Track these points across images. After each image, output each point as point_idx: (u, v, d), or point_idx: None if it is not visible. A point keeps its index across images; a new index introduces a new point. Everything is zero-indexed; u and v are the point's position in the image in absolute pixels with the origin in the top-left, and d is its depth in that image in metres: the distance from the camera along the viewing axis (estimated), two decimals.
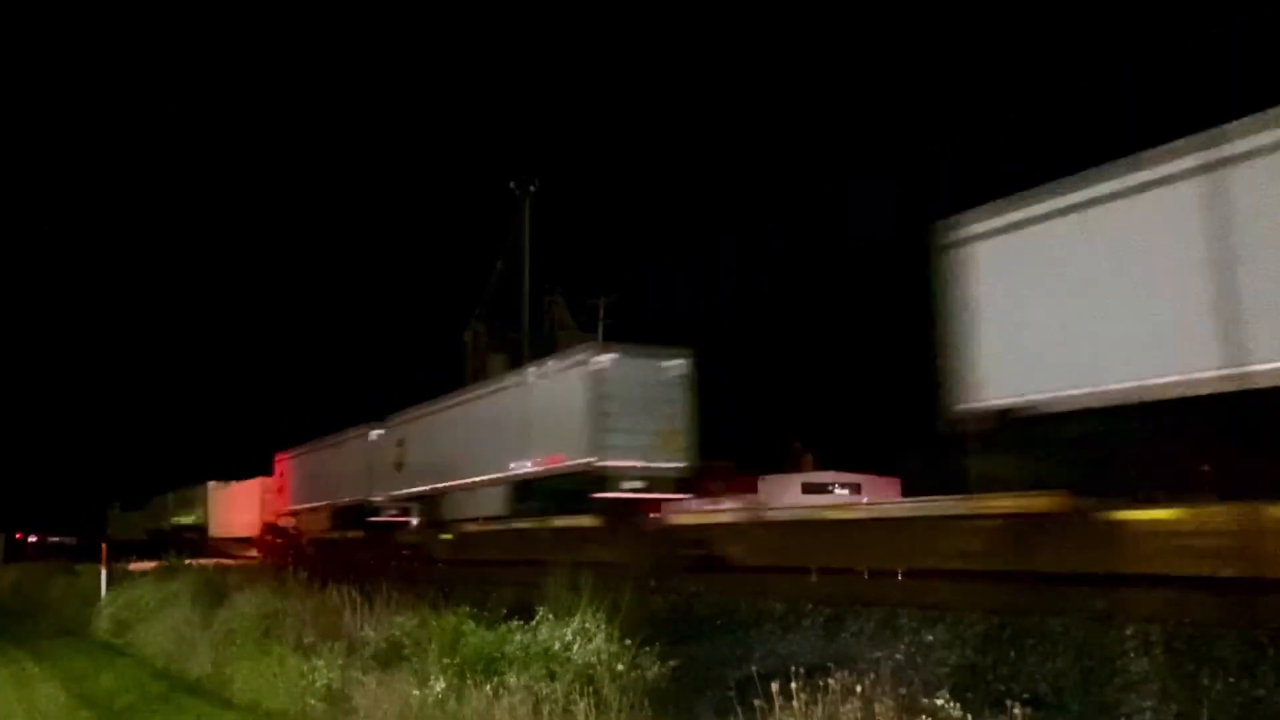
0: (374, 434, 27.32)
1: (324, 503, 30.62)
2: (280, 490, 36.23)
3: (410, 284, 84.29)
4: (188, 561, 21.95)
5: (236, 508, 43.21)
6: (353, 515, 27.87)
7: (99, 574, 21.06)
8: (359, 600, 10.81)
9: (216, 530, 44.36)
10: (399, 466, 25.20)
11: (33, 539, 65.24)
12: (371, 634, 9.71)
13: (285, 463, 35.97)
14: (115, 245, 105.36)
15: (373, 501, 26.61)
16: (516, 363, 28.33)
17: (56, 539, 67.10)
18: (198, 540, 44.12)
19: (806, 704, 5.56)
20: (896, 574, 11.75)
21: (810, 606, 9.43)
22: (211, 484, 46.16)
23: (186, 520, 48.23)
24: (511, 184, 34.48)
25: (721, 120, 78.25)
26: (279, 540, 34.40)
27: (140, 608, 16.70)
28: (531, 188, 34.45)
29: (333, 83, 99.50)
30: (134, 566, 23.68)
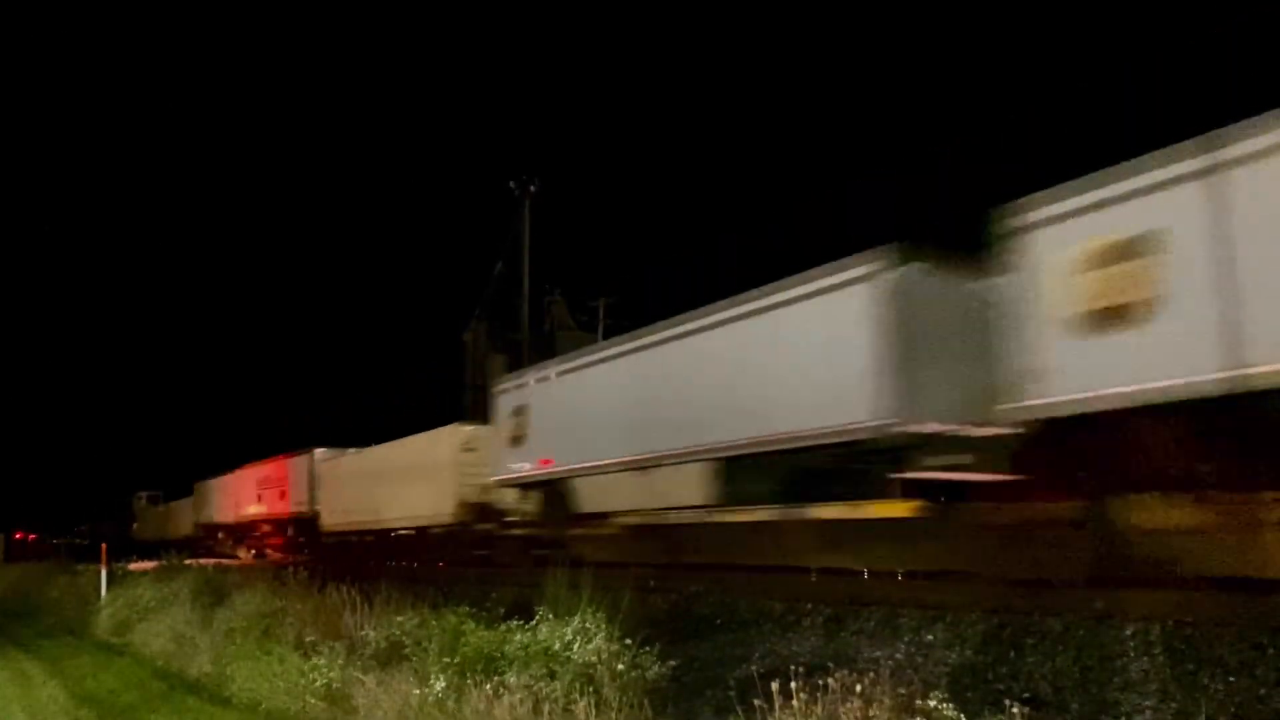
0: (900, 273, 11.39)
1: (677, 449, 14.30)
2: (516, 440, 18.59)
3: (410, 284, 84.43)
4: (187, 561, 21.94)
5: (384, 483, 25.50)
6: (800, 467, 12.50)
7: (99, 574, 21.08)
8: (359, 600, 10.82)
9: (333, 519, 28.69)
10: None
11: (33, 539, 61.87)
12: (372, 633, 9.72)
13: (520, 391, 18.91)
14: (115, 246, 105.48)
15: (900, 432, 11.01)
16: (517, 364, 27.77)
17: (63, 539, 60.84)
18: (298, 537, 31.64)
19: (806, 703, 5.57)
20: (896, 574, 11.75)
21: (810, 606, 9.44)
22: (320, 452, 30.81)
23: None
24: (511, 184, 34.53)
25: (721, 120, 78.29)
26: (527, 534, 18.94)
27: (140, 607, 16.71)
28: (531, 188, 34.47)
29: (333, 83, 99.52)
30: (134, 566, 23.68)
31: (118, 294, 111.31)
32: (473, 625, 8.75)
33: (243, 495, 37.80)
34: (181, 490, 49.36)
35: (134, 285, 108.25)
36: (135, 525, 55.56)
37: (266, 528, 34.82)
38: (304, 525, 30.90)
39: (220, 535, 41.65)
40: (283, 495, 33.31)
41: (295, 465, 32.41)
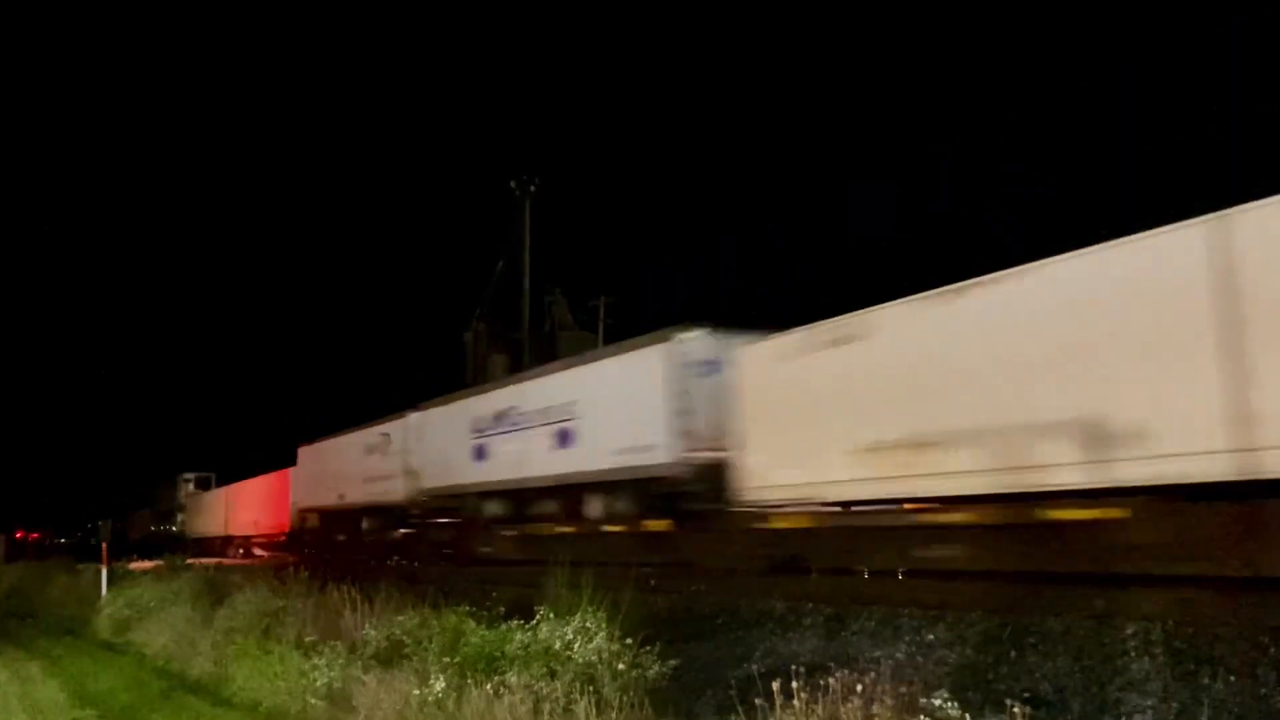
0: None
1: None
2: None
3: (411, 284, 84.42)
4: (188, 560, 21.93)
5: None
6: None
7: (99, 573, 21.08)
8: (359, 599, 10.81)
9: (757, 483, 12.38)
10: None
11: (34, 538, 58.68)
12: (372, 633, 9.71)
13: None
14: (113, 245, 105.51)
15: None
16: (517, 363, 27.87)
17: (73, 537, 56.81)
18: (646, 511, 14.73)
19: (807, 703, 5.55)
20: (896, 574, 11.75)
21: (810, 606, 9.43)
22: (692, 339, 14.33)
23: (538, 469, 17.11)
24: (511, 184, 34.54)
25: (721, 120, 78.25)
26: None
27: (141, 607, 16.71)
28: (531, 187, 34.47)
29: (334, 83, 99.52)
30: (134, 566, 23.69)
31: (113, 290, 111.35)
32: (473, 625, 8.74)
33: (454, 443, 20.38)
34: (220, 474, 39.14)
35: (130, 281, 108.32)
36: (181, 517, 44.27)
37: (551, 506, 17.43)
38: (663, 492, 14.52)
39: (368, 524, 25.14)
40: (565, 437, 16.80)
41: (637, 368, 15.15)
